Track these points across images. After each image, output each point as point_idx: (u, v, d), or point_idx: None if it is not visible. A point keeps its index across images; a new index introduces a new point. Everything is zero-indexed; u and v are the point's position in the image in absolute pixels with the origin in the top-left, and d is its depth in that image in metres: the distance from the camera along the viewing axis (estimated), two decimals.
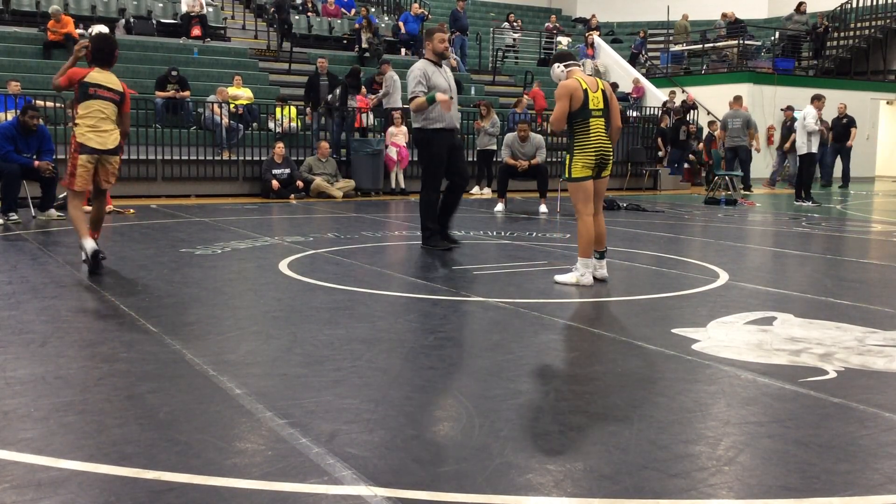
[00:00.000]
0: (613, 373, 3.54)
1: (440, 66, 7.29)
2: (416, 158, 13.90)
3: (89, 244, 5.82)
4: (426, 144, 7.24)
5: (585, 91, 5.55)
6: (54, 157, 9.54)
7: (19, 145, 9.00)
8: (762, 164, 19.20)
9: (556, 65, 5.78)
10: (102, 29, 16.19)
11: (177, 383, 3.28)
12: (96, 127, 5.88)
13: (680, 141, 17.66)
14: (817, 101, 13.57)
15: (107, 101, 5.91)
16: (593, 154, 5.60)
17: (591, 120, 5.57)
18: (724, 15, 24.28)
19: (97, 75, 5.94)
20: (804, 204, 13.42)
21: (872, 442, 2.74)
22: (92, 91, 5.86)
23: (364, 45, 18.50)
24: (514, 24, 23.94)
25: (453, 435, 2.75)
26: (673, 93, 19.84)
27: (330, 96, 14.89)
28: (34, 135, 9.13)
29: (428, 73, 7.11)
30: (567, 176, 5.69)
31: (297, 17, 19.71)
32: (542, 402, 3.10)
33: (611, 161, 5.76)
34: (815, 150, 13.61)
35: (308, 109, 14.75)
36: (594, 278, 5.70)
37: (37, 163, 9.10)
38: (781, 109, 19.31)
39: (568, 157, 5.68)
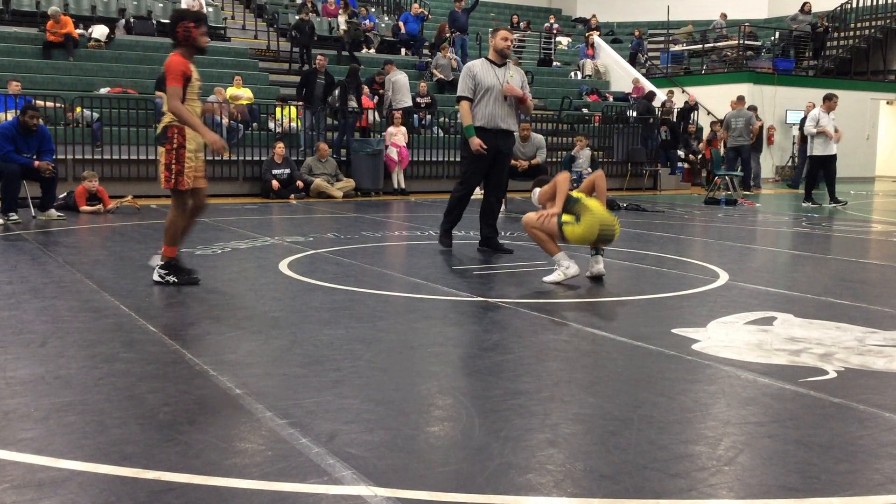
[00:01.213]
0: (613, 373, 3.54)
1: (502, 65, 7.01)
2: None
3: (155, 260, 5.50)
4: (465, 142, 7.10)
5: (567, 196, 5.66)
6: (54, 156, 9.54)
7: (19, 145, 9.00)
8: (763, 164, 19.17)
9: (535, 190, 6.00)
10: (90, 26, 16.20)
11: (177, 383, 3.28)
12: None
13: (663, 140, 17.68)
14: (827, 101, 13.10)
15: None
16: (597, 229, 5.54)
17: (581, 203, 5.60)
18: (723, 15, 24.32)
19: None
20: (804, 204, 13.26)
21: (872, 442, 2.74)
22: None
23: (343, 28, 17.77)
24: (519, 24, 23.97)
25: (453, 435, 2.75)
26: (671, 93, 19.84)
27: (330, 98, 14.90)
28: (34, 135, 9.13)
29: (475, 71, 6.95)
30: (559, 225, 5.56)
31: (297, 17, 19.71)
32: (542, 402, 3.10)
33: (614, 237, 5.71)
34: (819, 152, 13.11)
35: (300, 107, 14.65)
36: (592, 275, 5.73)
37: (37, 163, 9.10)
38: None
39: (573, 217, 5.56)
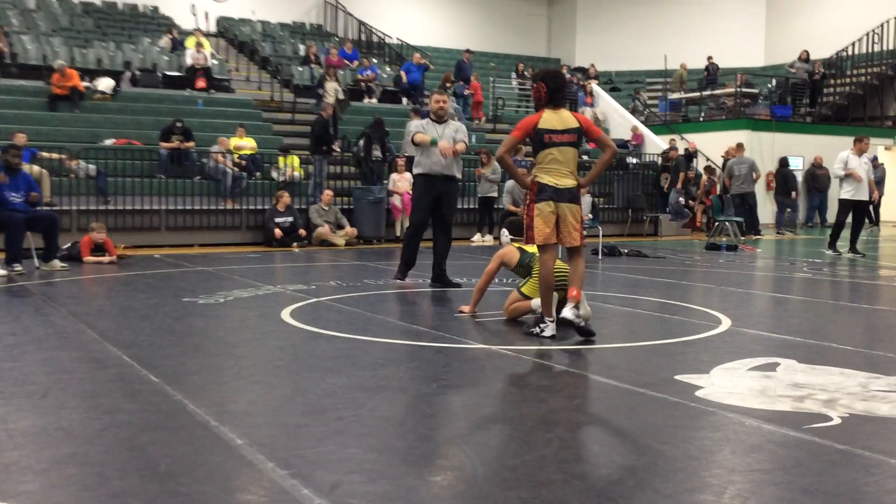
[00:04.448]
0: (617, 420, 3.52)
1: (442, 122, 7.86)
2: None
3: (550, 329, 5.28)
4: (413, 186, 8.13)
5: (521, 250, 6.11)
6: (44, 200, 9.66)
7: (6, 185, 9.06)
8: (764, 209, 19.22)
9: (503, 231, 6.58)
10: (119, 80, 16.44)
11: (178, 434, 3.26)
12: (556, 172, 5.31)
13: (661, 189, 17.84)
14: (858, 142, 12.11)
15: (564, 147, 5.30)
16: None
17: (535, 257, 5.85)
18: (709, 58, 24.78)
19: (551, 117, 5.33)
20: (828, 252, 12.22)
21: (878, 489, 2.72)
22: (547, 138, 5.29)
23: (330, 97, 16.72)
24: (524, 73, 24.33)
25: (456, 484, 2.74)
26: (673, 140, 19.99)
27: (355, 148, 15.18)
28: (20, 177, 9.21)
29: (422, 126, 7.86)
30: (519, 286, 6.04)
31: (300, 69, 20.00)
32: (545, 451, 3.09)
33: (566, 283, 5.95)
34: (848, 196, 11.93)
35: (315, 156, 14.73)
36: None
37: (31, 194, 9.16)
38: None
39: (528, 274, 6.00)
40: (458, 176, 8.01)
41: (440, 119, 7.88)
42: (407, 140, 7.99)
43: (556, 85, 5.42)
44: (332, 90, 17.10)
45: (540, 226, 5.35)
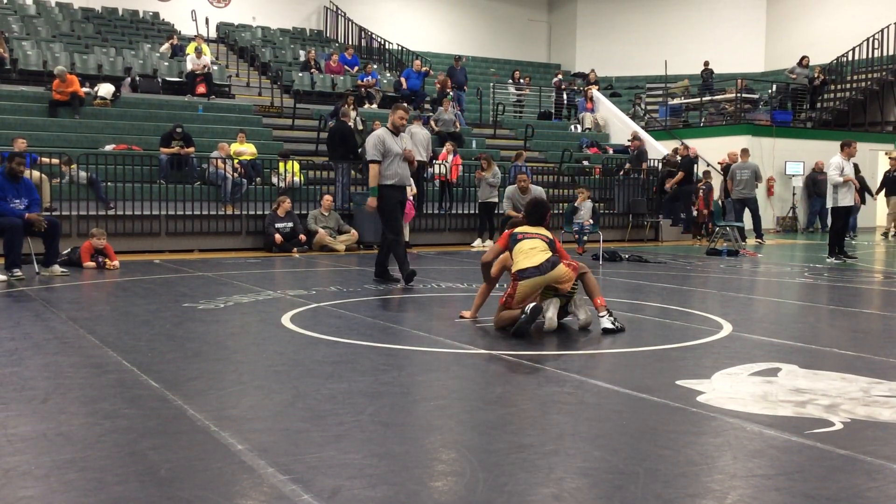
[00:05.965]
0: (618, 425, 3.51)
1: (397, 135, 8.50)
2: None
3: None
4: (381, 197, 8.41)
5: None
6: (42, 206, 9.70)
7: (9, 193, 9.06)
8: (765, 215, 19.23)
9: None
10: (107, 89, 16.49)
11: (178, 439, 3.26)
12: (530, 255, 5.82)
13: (665, 193, 17.84)
14: (847, 147, 11.92)
15: (535, 239, 5.92)
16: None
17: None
18: (706, 63, 24.82)
19: (527, 228, 6.10)
20: (828, 260, 12.11)
21: (881, 494, 2.71)
22: (520, 237, 5.97)
23: (360, 128, 16.64)
24: (521, 80, 24.40)
25: (457, 490, 2.73)
26: (676, 149, 20.00)
27: (360, 150, 15.18)
28: (22, 183, 9.21)
29: (384, 139, 8.33)
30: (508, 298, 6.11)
31: (300, 74, 20.03)
32: (546, 456, 3.08)
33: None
34: (843, 203, 11.89)
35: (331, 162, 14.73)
36: (580, 325, 5.88)
37: (27, 215, 9.10)
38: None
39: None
40: (412, 185, 8.91)
41: (397, 131, 8.51)
42: (371, 152, 8.35)
43: (531, 207, 6.23)
44: (352, 120, 17.17)
45: (524, 291, 5.71)
